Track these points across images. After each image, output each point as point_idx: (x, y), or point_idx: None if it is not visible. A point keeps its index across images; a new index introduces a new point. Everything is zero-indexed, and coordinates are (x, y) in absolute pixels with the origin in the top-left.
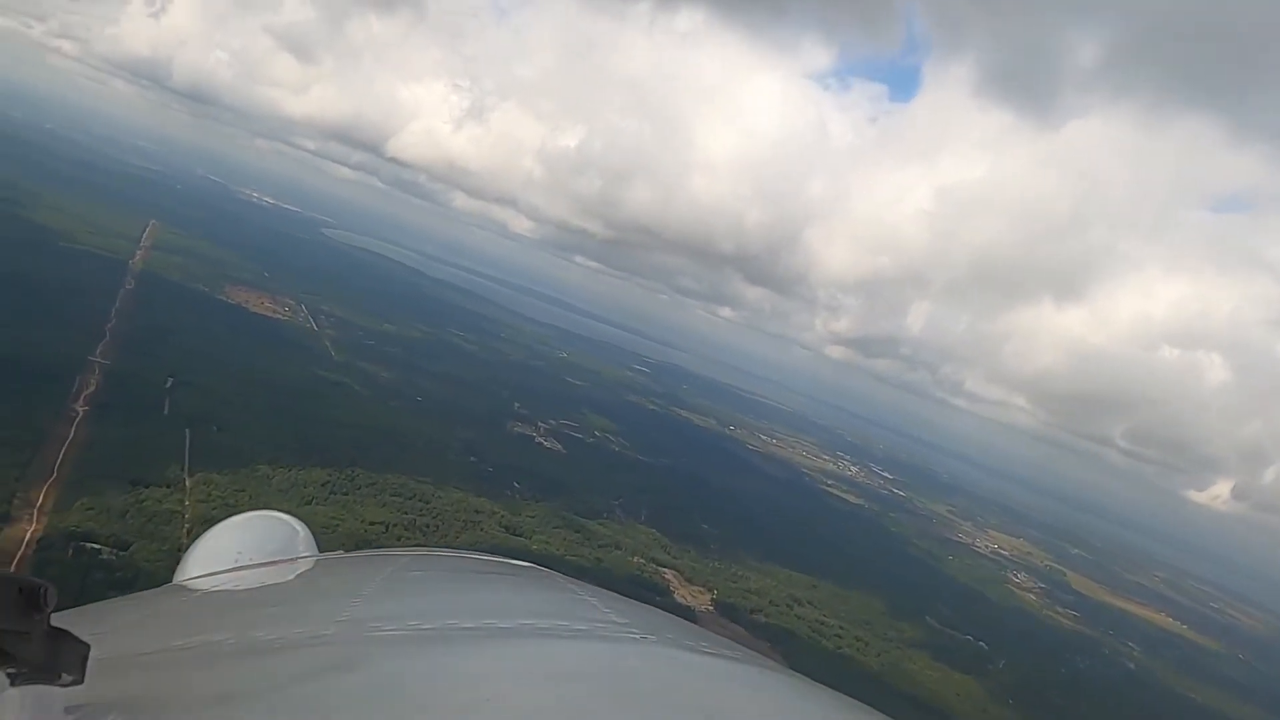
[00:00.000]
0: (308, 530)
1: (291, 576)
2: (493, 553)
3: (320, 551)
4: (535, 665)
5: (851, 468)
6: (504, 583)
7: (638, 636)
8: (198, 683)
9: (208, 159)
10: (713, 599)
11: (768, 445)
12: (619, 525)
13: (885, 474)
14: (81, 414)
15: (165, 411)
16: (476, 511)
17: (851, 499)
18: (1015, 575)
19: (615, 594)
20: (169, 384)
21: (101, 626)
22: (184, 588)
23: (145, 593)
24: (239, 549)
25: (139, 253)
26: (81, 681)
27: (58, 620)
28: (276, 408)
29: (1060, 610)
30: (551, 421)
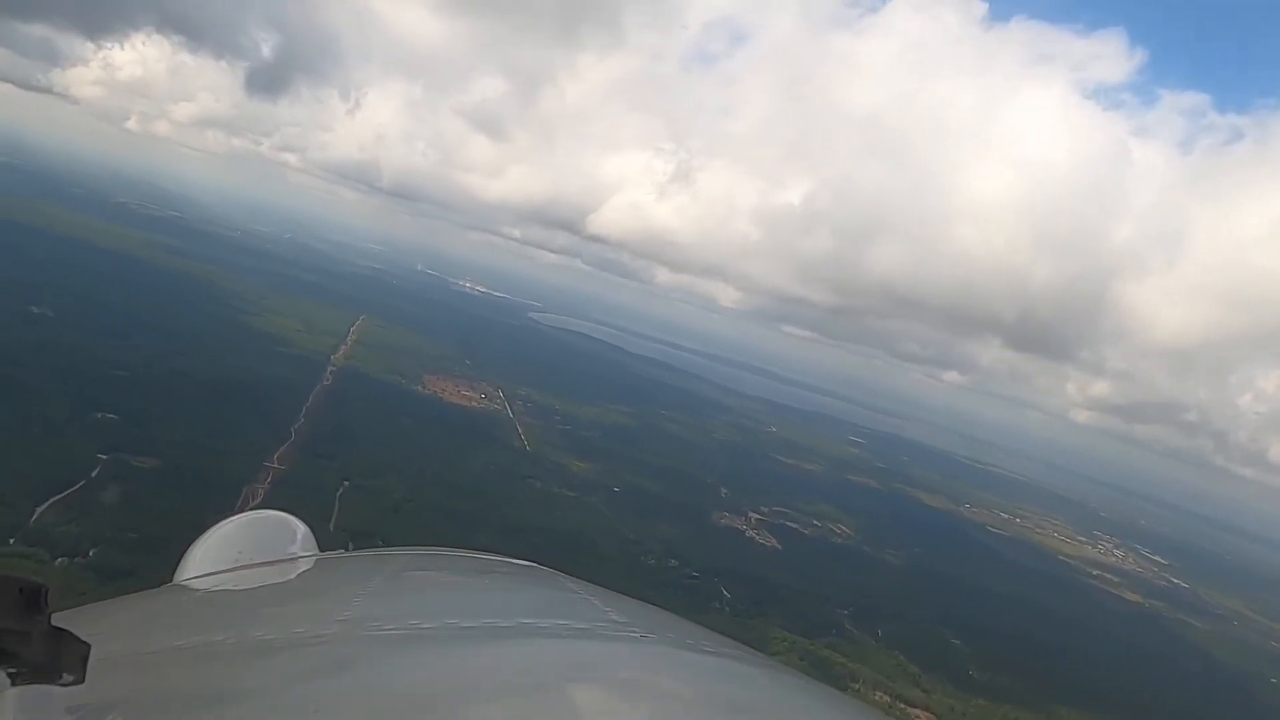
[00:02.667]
0: (308, 529)
1: (292, 576)
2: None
3: (320, 551)
4: (535, 664)
5: (1115, 551)
6: (504, 582)
7: (638, 635)
8: (198, 682)
9: (428, 254)
10: None
11: (1012, 526)
12: (851, 645)
13: (1157, 558)
14: None
15: (331, 526)
16: None
17: (1128, 595)
18: None
19: (615, 593)
20: (341, 490)
21: (101, 626)
22: (184, 587)
23: (145, 592)
24: (239, 548)
25: (342, 348)
26: (82, 681)
27: (58, 620)
28: (453, 512)
29: None
30: (763, 509)
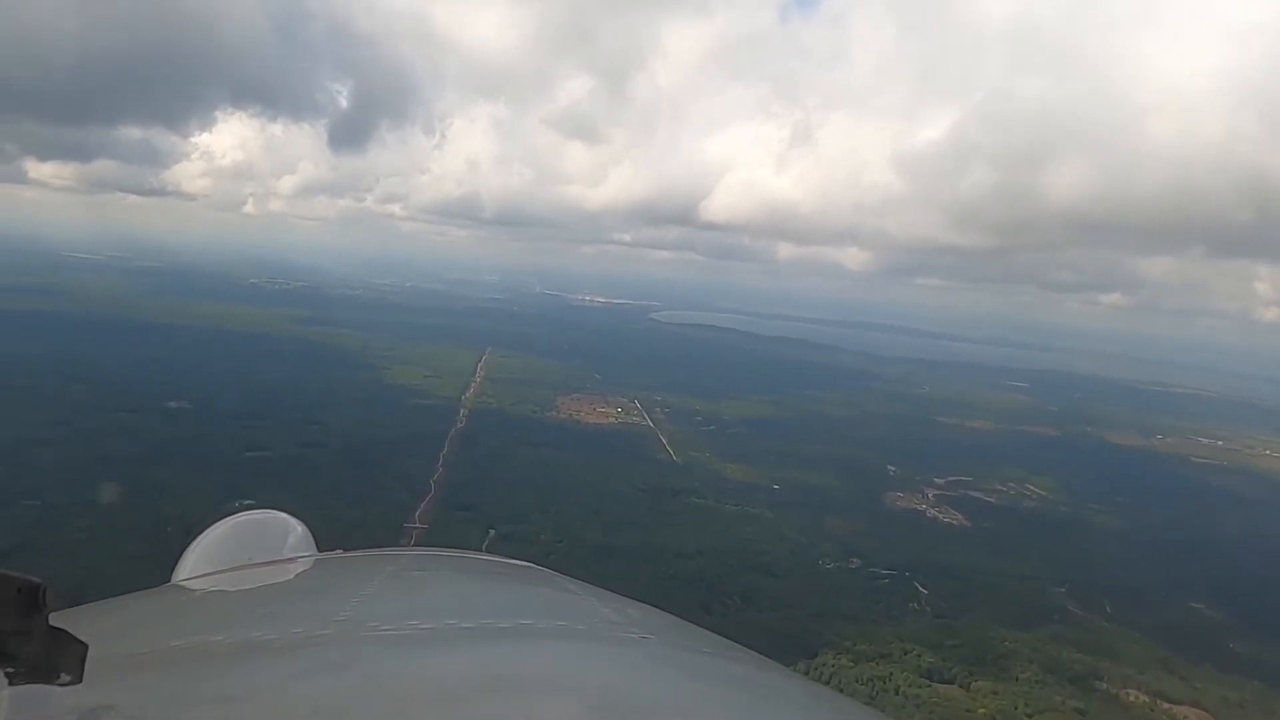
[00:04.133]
0: (306, 529)
1: (290, 576)
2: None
3: (319, 551)
4: (535, 665)
5: None
6: (503, 582)
7: (637, 636)
8: (196, 682)
9: (543, 275)
10: None
11: (1217, 452)
12: (1080, 632)
13: None
14: None
15: None
16: (883, 657)
17: None
18: None
19: (615, 594)
20: (487, 541)
21: (100, 626)
22: (182, 587)
23: (143, 592)
24: (237, 548)
25: (472, 386)
26: (80, 681)
27: (56, 619)
28: (608, 547)
29: None
30: (938, 482)
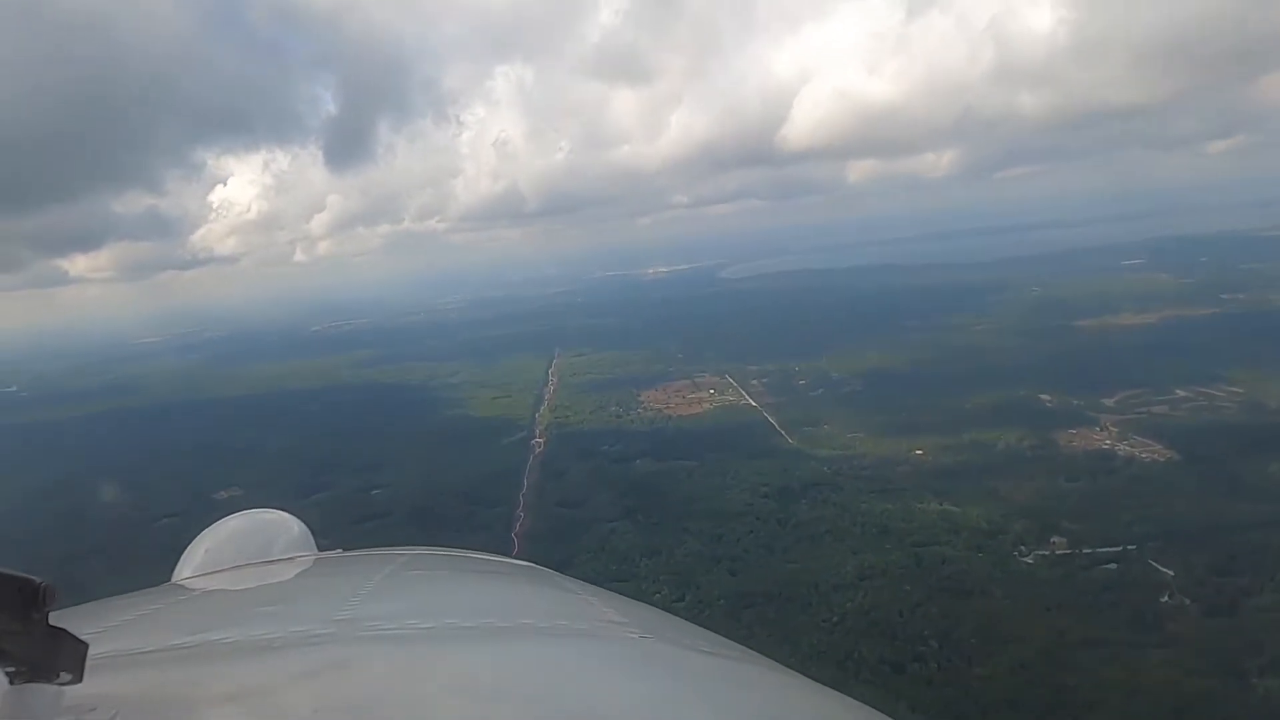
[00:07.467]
0: (305, 528)
1: (290, 575)
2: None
3: (319, 550)
4: (534, 664)
5: None
6: (503, 582)
7: (637, 636)
8: (196, 681)
9: (604, 257)
10: None
11: None
12: None
13: None
14: None
15: None
16: (1180, 713)
17: None
18: None
19: (614, 593)
20: None
21: (100, 625)
22: (182, 586)
23: (143, 591)
24: (237, 547)
25: (546, 399)
26: (80, 680)
27: (56, 618)
28: (743, 596)
29: None
30: (1107, 404)
